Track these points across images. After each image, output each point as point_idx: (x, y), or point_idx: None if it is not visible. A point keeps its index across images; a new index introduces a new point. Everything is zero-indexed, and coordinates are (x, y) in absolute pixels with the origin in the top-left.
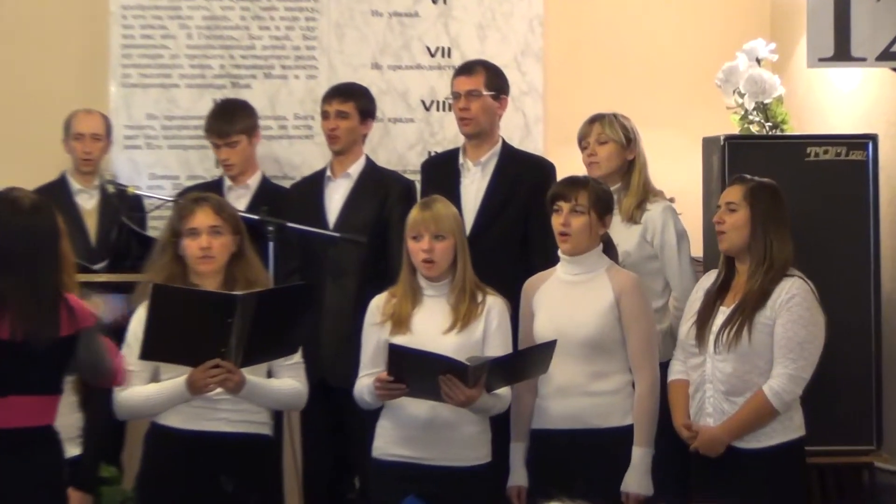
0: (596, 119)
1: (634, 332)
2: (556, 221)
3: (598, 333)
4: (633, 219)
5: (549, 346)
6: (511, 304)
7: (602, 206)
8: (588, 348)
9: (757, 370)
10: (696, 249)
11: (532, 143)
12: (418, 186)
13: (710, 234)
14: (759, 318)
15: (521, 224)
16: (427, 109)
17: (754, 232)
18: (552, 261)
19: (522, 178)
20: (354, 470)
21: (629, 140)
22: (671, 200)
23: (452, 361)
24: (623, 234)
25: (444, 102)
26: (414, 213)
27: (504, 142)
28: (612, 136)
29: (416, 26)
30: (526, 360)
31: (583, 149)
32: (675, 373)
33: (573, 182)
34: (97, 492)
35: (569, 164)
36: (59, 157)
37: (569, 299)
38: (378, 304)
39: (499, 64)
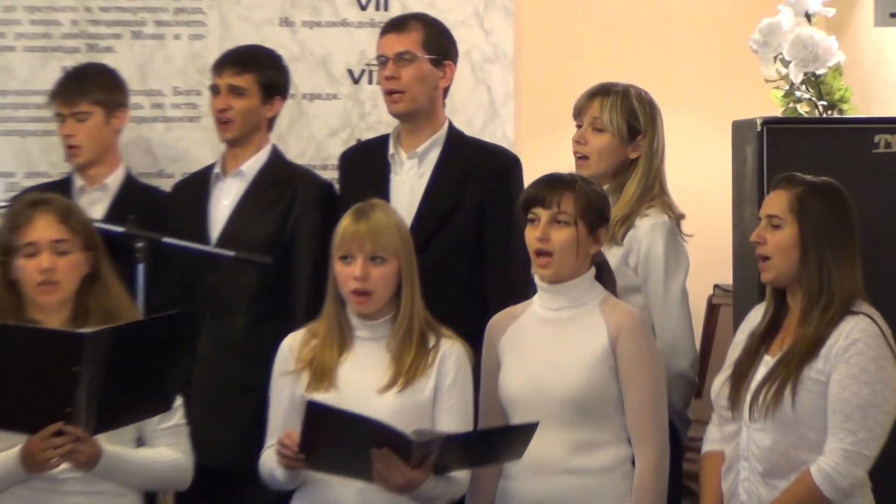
0: (599, 93)
1: (637, 389)
2: (532, 236)
3: (587, 390)
4: (614, 238)
5: (528, 430)
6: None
7: (595, 215)
8: (572, 410)
9: (804, 444)
10: (725, 276)
11: (498, 129)
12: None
13: (744, 256)
14: (808, 373)
15: (473, 239)
16: (356, 82)
17: (806, 255)
18: (519, 289)
19: (475, 174)
20: None
21: (635, 133)
22: (679, 217)
23: (392, 431)
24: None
25: None
26: (344, 225)
27: (451, 125)
28: (612, 124)
29: None
30: (493, 442)
31: (577, 127)
32: (711, 441)
33: (555, 182)
34: None
35: (549, 157)
36: None
37: (548, 344)
38: (292, 347)
39: (455, 20)
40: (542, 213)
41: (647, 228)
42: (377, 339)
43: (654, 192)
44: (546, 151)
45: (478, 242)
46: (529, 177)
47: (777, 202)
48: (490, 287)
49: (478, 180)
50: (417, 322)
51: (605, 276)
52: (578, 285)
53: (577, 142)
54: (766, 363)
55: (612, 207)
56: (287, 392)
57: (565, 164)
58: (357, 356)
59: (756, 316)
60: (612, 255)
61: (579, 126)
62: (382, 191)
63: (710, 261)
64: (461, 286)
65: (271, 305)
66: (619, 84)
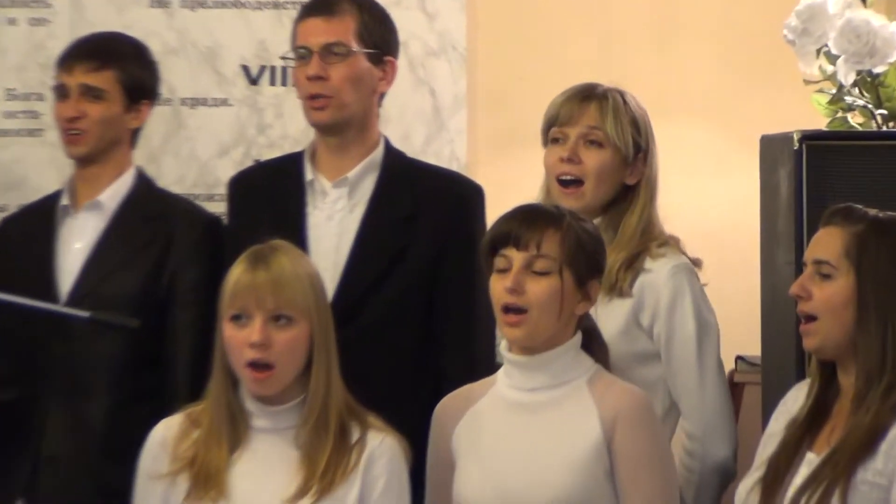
0: (593, 96)
1: (641, 498)
2: (499, 286)
3: (574, 502)
4: (616, 288)
5: None
6: (412, 446)
7: (586, 263)
8: None
9: None
10: (749, 345)
11: (446, 146)
12: None
13: (776, 317)
14: (864, 475)
15: (424, 297)
16: (253, 82)
17: (865, 317)
18: (485, 365)
19: (426, 210)
20: None
21: (639, 150)
22: (695, 263)
23: None
24: (599, 314)
25: (284, 70)
26: (237, 275)
27: (388, 144)
28: (618, 137)
29: None
30: None
31: (551, 141)
32: None
33: (536, 215)
34: None
35: (513, 185)
36: None
37: (519, 438)
38: (165, 440)
39: (387, 0)
40: (516, 257)
41: (668, 274)
42: (281, 432)
43: (657, 229)
44: (509, 177)
45: (429, 302)
46: (489, 213)
47: (828, 244)
48: (447, 363)
49: (430, 219)
50: (335, 407)
51: (594, 345)
52: (561, 356)
53: (565, 160)
54: (810, 462)
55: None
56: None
57: (534, 195)
58: (255, 454)
59: (796, 399)
60: (615, 312)
61: (557, 140)
62: (295, 232)
63: (732, 324)
64: (407, 362)
65: (142, 384)
66: (602, 85)
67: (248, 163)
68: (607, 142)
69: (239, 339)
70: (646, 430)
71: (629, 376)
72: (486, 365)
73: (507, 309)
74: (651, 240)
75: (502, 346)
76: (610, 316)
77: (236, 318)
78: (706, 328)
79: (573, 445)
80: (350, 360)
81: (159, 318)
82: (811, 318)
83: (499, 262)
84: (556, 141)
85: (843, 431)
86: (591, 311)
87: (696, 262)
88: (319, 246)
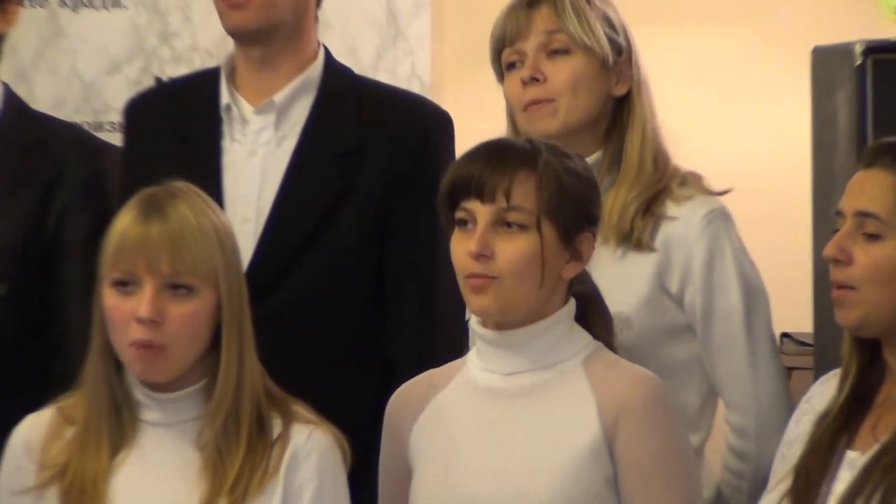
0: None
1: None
2: (461, 250)
3: None
4: (632, 238)
5: None
6: (355, 449)
7: (572, 211)
8: None
9: None
10: (798, 320)
11: (404, 61)
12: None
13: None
14: None
15: (369, 254)
16: None
17: None
18: (449, 344)
19: (377, 143)
20: None
21: (619, 51)
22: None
23: None
24: (611, 276)
25: None
26: (123, 227)
27: (329, 56)
28: (585, 34)
29: None
30: None
31: (507, 68)
32: None
33: (503, 153)
34: None
35: (490, 113)
36: None
37: (495, 435)
38: (29, 443)
39: None
40: (480, 211)
41: (700, 223)
42: (179, 426)
43: (670, 161)
44: (485, 102)
45: (379, 265)
46: (459, 146)
47: (875, 192)
48: (401, 345)
49: (381, 156)
50: (250, 395)
51: (593, 315)
52: (547, 331)
53: (527, 81)
54: (852, 463)
55: (610, 190)
56: None
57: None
58: (144, 456)
59: (823, 394)
60: (632, 272)
61: (513, 64)
62: (206, 173)
63: (775, 294)
64: (350, 343)
65: (22, 362)
66: None
67: (148, 82)
68: (574, 45)
69: (123, 312)
70: (659, 428)
71: (653, 357)
72: (451, 347)
73: (473, 277)
74: (669, 175)
75: (473, 321)
76: (626, 277)
77: (121, 284)
78: (755, 293)
79: (564, 446)
80: (274, 340)
81: (41, 279)
82: (848, 287)
83: (460, 216)
84: (511, 66)
85: (890, 426)
86: (596, 272)
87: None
88: (237, 190)
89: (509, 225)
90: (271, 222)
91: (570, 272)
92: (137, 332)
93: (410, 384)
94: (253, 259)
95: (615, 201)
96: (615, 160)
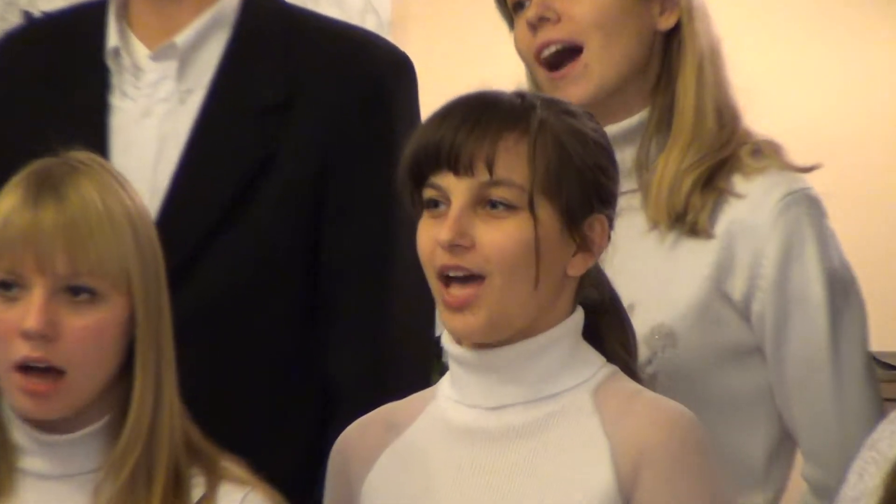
0: None
1: None
2: (428, 239)
3: None
4: (685, 222)
5: None
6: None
7: (579, 184)
8: None
9: None
10: (890, 337)
11: None
12: None
13: None
14: None
15: (300, 242)
16: None
17: None
18: (407, 366)
19: (308, 94)
20: None
21: None
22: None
23: None
24: (653, 271)
25: None
26: (4, 212)
27: None
28: None
29: None
30: None
31: (514, 8)
32: None
33: (480, 111)
34: None
35: (467, 61)
36: None
37: (476, 490)
38: None
39: None
40: (455, 188)
41: (776, 205)
42: (71, 481)
43: (740, 121)
44: (461, 47)
45: (316, 257)
46: (427, 105)
47: None
48: (342, 366)
49: (317, 112)
50: (167, 442)
51: (607, 327)
52: (544, 352)
53: (535, 23)
54: None
55: (660, 157)
56: None
57: (507, 74)
58: None
59: (893, 438)
60: (683, 268)
61: (520, 4)
62: (88, 136)
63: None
64: (278, 363)
65: None
66: None
67: (13, 19)
68: None
69: (5, 324)
70: (692, 480)
71: (704, 388)
72: (411, 368)
73: (447, 277)
74: (738, 139)
75: (445, 338)
76: (673, 274)
77: (2, 287)
78: (847, 306)
79: (568, 502)
80: (181, 355)
81: None
82: None
83: (427, 197)
84: (519, 7)
85: None
86: (634, 266)
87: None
88: (127, 160)
89: (493, 205)
90: (171, 203)
91: (576, 268)
92: (23, 351)
93: (362, 423)
94: None
95: (665, 170)
96: (665, 116)
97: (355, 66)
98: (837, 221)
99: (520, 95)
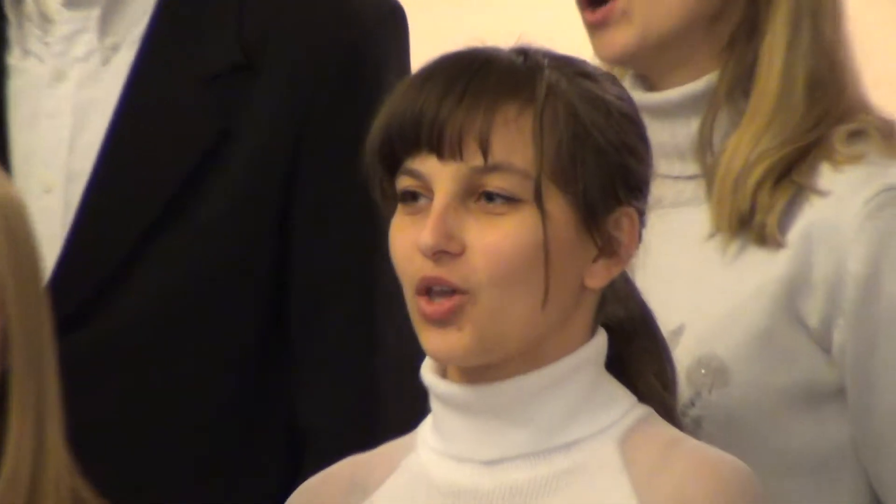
0: None
1: None
2: (404, 241)
3: None
4: (751, 223)
5: None
6: None
7: (598, 169)
8: None
9: None
10: None
11: None
12: None
13: None
14: None
15: (260, 249)
16: None
17: None
18: (391, 403)
19: (270, 53)
20: None
21: None
22: None
23: None
24: (707, 288)
25: None
26: None
27: None
28: None
29: None
30: None
31: None
32: None
33: (478, 71)
34: None
35: (471, 6)
36: None
37: None
38: None
39: None
40: (439, 174)
41: (865, 206)
42: None
43: (850, 88)
44: None
45: (280, 269)
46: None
47: None
48: (309, 407)
49: (286, 79)
50: (51, 502)
51: (637, 357)
52: (556, 388)
53: None
54: None
55: (734, 134)
56: None
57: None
58: None
59: None
60: (746, 285)
61: None
62: None
63: None
64: (231, 399)
65: None
66: None
67: None
68: None
69: None
70: None
71: (768, 439)
72: (402, 413)
73: (427, 289)
74: (837, 114)
75: (426, 368)
76: (730, 293)
77: None
78: None
79: None
80: (94, 402)
81: None
82: None
83: (402, 188)
84: None
85: None
86: (681, 279)
87: None
88: (33, 137)
89: (489, 198)
90: (92, 196)
91: (597, 278)
92: None
93: (321, 479)
94: (60, 259)
95: (734, 156)
96: (741, 83)
97: (332, 18)
98: None
99: (522, 52)
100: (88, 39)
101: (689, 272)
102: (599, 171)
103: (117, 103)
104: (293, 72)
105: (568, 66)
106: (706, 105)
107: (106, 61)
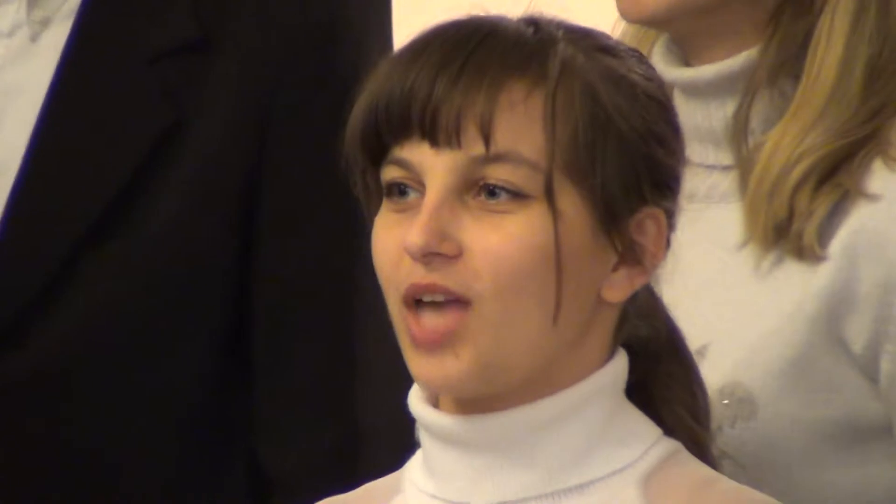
0: None
1: None
2: (390, 242)
3: None
4: (787, 232)
5: None
6: None
7: (620, 161)
8: None
9: None
10: None
11: None
12: None
13: None
14: None
15: (218, 256)
16: None
17: None
18: (373, 427)
19: (229, 32)
20: None
21: None
22: None
23: None
24: (736, 308)
25: None
26: None
27: None
28: None
29: None
30: None
31: None
32: None
33: (478, 44)
34: None
35: None
36: None
37: None
38: None
39: None
40: (431, 165)
41: None
42: None
43: None
44: None
45: (242, 279)
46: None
47: None
48: (280, 435)
49: (248, 58)
50: None
51: (664, 383)
52: (569, 418)
53: None
54: None
55: (780, 121)
56: None
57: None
58: None
59: None
60: (781, 299)
61: None
62: None
63: None
64: (182, 424)
65: None
66: None
67: None
68: None
69: None
70: None
71: (797, 482)
72: (388, 450)
73: (417, 300)
74: (892, 111)
75: (414, 396)
76: (763, 313)
77: None
78: None
79: None
80: (25, 439)
81: None
82: None
83: (388, 180)
84: None
85: None
86: (707, 295)
87: None
88: None
89: (491, 192)
90: (22, 195)
91: (617, 290)
92: None
93: None
94: None
95: (774, 153)
96: (788, 62)
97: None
98: None
99: (532, 23)
100: (14, 11)
101: (718, 284)
102: (621, 163)
103: (49, 89)
104: (256, 51)
105: (586, 40)
106: (743, 84)
107: (35, 38)
